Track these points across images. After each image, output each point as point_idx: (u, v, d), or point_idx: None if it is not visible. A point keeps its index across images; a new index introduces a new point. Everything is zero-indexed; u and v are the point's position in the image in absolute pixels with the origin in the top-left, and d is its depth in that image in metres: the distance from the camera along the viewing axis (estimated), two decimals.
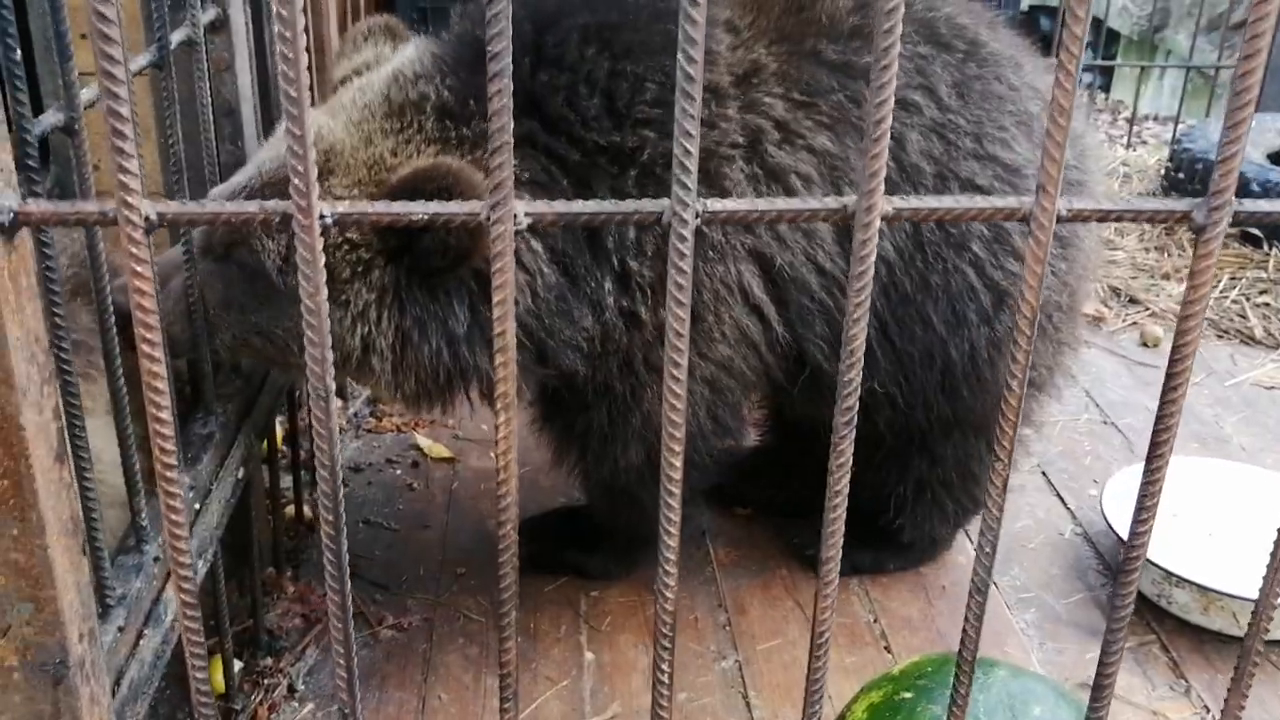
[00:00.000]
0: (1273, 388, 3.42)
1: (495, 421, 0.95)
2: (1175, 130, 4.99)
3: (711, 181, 1.81)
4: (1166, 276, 4.05)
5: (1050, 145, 0.88)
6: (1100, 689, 1.19)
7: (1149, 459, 1.07)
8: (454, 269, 1.71)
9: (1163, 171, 4.76)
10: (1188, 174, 4.50)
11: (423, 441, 2.74)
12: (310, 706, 1.98)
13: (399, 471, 2.70)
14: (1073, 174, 2.08)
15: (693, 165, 0.88)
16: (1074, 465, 2.93)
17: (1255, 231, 4.07)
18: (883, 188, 0.90)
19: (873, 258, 0.93)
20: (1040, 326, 2.16)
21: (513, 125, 0.93)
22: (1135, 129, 5.81)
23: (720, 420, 2.05)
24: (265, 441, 2.15)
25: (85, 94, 1.34)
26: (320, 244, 0.92)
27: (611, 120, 1.77)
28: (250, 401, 1.97)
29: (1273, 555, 1.17)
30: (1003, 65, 2.03)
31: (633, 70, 1.77)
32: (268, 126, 2.38)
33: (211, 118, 1.83)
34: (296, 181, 0.89)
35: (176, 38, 1.69)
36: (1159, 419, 1.07)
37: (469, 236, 1.64)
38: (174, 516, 0.95)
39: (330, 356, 0.90)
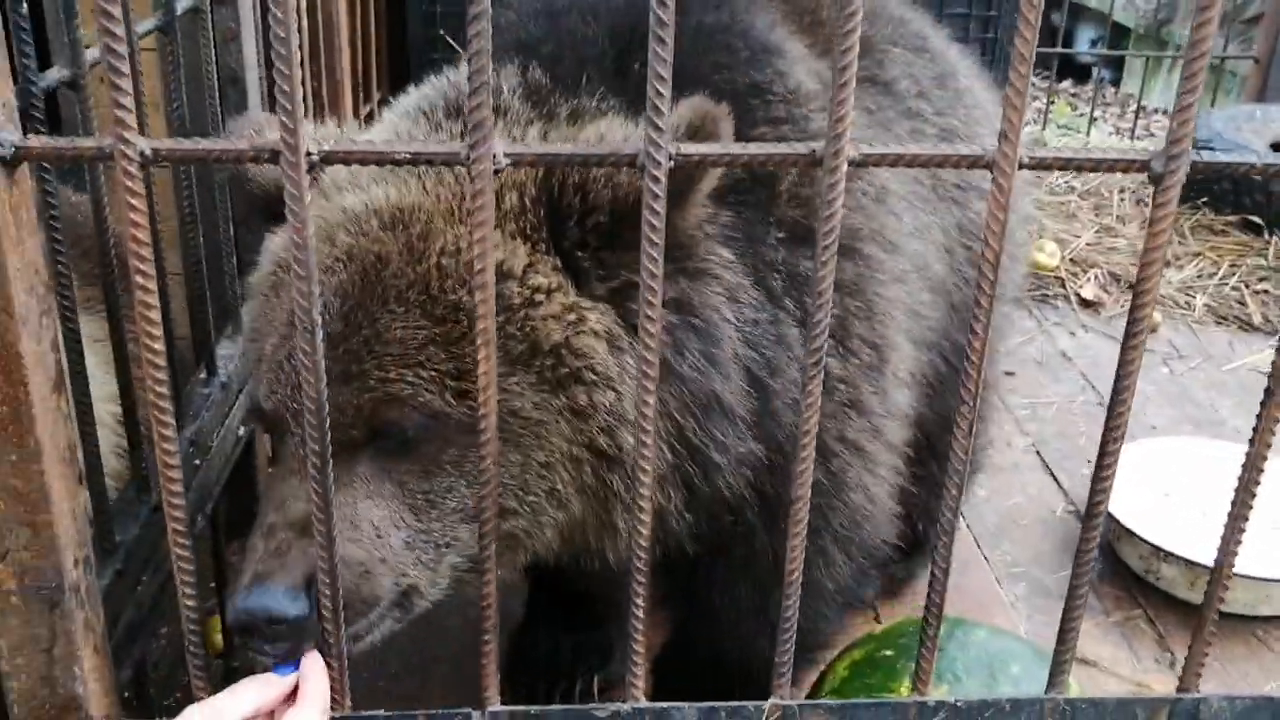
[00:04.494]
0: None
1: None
2: None
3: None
4: (1167, 264, 4.06)
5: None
6: (1066, 631, 1.23)
7: (1113, 397, 1.11)
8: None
9: None
10: None
11: None
12: None
13: None
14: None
15: (665, 106, 0.93)
16: (1068, 445, 2.95)
17: (1256, 220, 4.10)
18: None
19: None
20: None
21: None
22: (1144, 122, 5.80)
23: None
24: None
25: (90, 54, 1.38)
26: (307, 180, 0.96)
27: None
28: None
29: (1228, 523, 1.21)
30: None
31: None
32: (274, 97, 2.42)
33: (217, 85, 1.87)
34: (284, 119, 0.93)
35: (183, 4, 1.74)
36: (1121, 363, 1.11)
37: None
38: (169, 460, 0.99)
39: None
